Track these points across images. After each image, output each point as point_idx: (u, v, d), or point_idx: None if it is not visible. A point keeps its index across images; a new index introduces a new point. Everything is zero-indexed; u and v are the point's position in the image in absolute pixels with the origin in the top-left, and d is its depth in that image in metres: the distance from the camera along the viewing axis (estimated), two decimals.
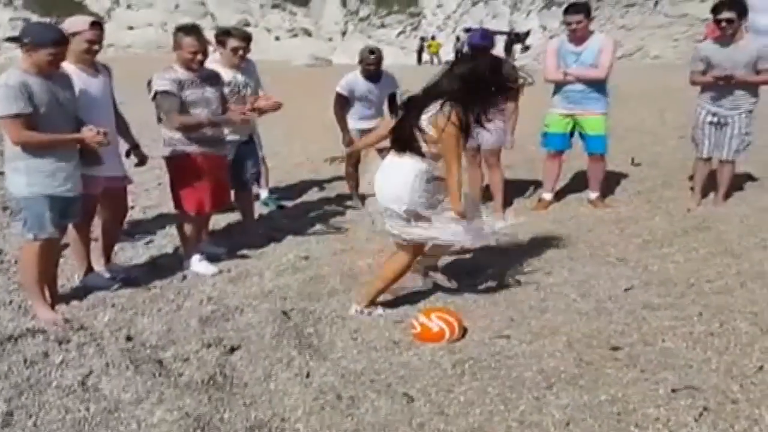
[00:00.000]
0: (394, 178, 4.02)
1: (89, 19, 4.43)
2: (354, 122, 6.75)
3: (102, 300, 4.39)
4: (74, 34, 4.24)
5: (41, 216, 3.99)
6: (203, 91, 4.88)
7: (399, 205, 3.98)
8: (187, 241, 5.09)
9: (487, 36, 6.50)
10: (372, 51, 6.67)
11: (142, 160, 4.95)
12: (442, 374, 3.42)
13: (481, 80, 3.92)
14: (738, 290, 4.42)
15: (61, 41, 3.91)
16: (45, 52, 3.83)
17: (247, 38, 5.90)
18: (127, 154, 4.87)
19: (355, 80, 6.75)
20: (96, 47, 4.38)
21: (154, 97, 4.82)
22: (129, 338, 3.84)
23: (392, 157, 4.10)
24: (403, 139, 4.01)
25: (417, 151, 3.96)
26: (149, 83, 4.86)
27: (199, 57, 4.84)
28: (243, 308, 4.30)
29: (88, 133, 4.02)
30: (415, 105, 4.01)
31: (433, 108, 3.89)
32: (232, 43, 5.68)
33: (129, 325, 4.04)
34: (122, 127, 4.79)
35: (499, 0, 40.99)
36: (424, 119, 3.91)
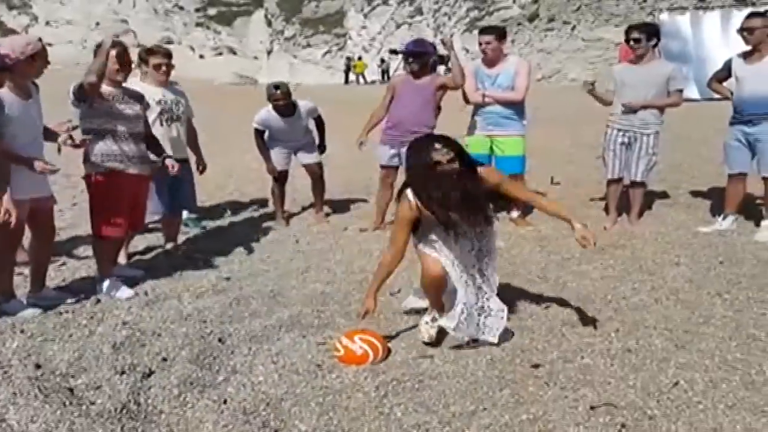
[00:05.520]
0: None
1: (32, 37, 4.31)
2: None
3: (10, 326, 4.17)
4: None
5: None
6: (125, 106, 4.76)
7: None
8: (103, 264, 4.90)
9: (420, 43, 6.55)
10: (276, 86, 6.54)
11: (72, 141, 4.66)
12: (364, 397, 3.37)
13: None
14: (653, 306, 4.55)
15: None
16: None
17: (168, 55, 5.78)
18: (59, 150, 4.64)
19: (267, 116, 6.68)
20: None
21: (79, 87, 4.57)
22: (38, 366, 3.64)
23: None
24: None
25: None
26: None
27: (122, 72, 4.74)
28: (160, 333, 4.15)
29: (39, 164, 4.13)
30: None
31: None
32: (154, 60, 5.55)
33: (38, 352, 3.83)
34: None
35: (422, 23, 41.59)
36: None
